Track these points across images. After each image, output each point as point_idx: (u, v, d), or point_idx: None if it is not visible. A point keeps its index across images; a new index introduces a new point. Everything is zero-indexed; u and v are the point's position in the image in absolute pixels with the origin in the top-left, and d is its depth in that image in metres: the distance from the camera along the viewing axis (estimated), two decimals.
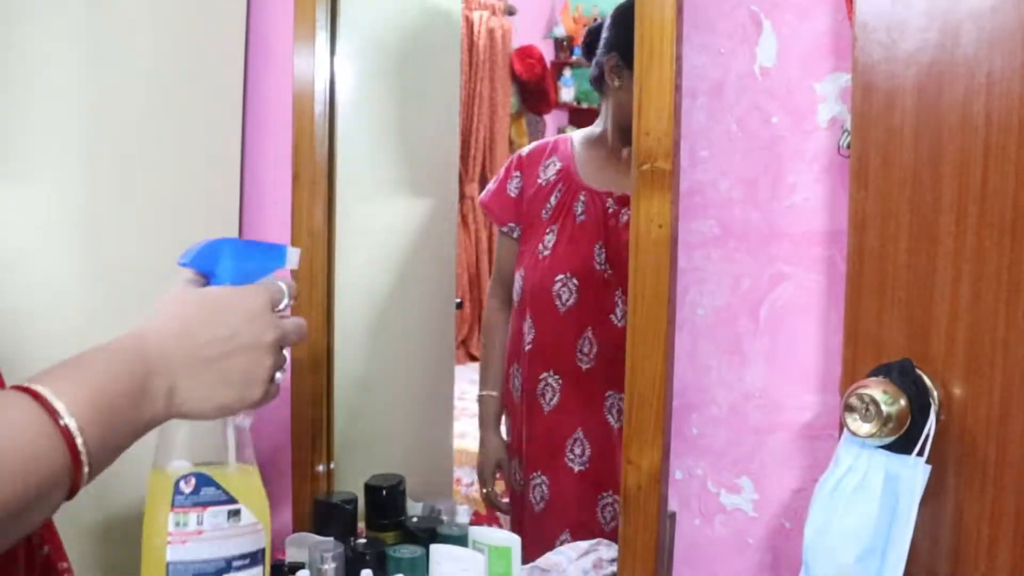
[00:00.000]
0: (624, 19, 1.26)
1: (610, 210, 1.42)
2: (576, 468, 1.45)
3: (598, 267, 1.41)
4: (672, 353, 1.14)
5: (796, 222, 1.12)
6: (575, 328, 1.43)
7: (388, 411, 1.52)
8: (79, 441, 0.61)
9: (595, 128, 1.51)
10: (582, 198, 1.44)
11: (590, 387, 1.43)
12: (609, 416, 1.41)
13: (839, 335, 1.01)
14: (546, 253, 1.45)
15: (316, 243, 1.37)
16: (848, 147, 1.01)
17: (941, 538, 0.92)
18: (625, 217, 1.38)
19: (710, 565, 1.19)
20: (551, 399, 1.46)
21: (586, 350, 1.42)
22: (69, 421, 0.61)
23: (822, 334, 1.11)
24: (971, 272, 0.90)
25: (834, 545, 0.92)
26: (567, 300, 1.43)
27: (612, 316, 1.40)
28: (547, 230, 1.46)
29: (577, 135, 1.53)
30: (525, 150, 1.56)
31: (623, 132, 1.39)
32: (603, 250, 1.41)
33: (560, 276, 1.43)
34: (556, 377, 1.45)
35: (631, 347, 1.12)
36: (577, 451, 1.44)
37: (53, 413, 0.61)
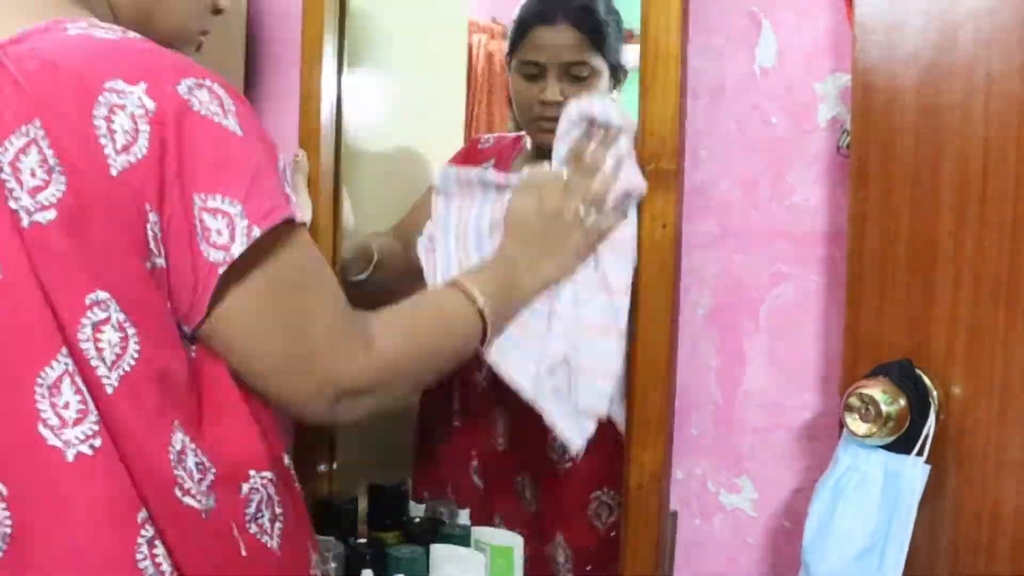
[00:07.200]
0: None
1: None
2: None
3: None
4: (675, 353, 1.14)
5: (796, 222, 1.12)
6: None
7: (390, 412, 1.53)
8: (487, 312, 1.00)
9: None
10: None
11: None
12: None
13: (839, 335, 1.01)
14: None
15: (322, 249, 1.36)
16: (848, 147, 1.01)
17: (941, 538, 0.93)
18: None
19: (710, 565, 1.19)
20: None
21: None
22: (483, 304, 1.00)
23: (822, 334, 1.11)
24: (971, 272, 0.90)
25: (834, 544, 0.92)
26: None
27: None
28: None
29: None
30: None
31: None
32: None
33: None
34: None
35: (633, 347, 1.12)
36: None
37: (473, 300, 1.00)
